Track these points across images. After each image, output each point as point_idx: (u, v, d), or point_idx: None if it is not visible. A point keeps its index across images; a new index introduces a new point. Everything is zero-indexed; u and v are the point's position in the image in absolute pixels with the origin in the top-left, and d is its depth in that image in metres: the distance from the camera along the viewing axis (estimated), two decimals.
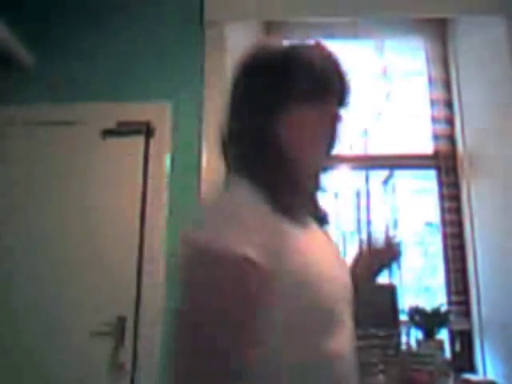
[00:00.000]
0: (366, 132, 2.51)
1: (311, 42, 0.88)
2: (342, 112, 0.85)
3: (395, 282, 2.22)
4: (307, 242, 0.78)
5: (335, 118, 0.83)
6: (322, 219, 0.90)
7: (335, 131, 0.84)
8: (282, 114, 0.80)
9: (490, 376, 2.10)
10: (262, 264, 0.66)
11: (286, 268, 0.68)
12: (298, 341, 0.70)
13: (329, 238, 0.92)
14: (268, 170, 0.77)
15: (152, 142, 2.13)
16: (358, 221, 2.38)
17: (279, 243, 0.70)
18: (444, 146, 2.47)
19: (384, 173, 2.48)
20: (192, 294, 0.67)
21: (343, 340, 0.77)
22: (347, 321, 0.81)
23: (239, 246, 0.65)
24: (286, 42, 0.89)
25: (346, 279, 0.86)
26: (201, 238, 0.68)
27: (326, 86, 0.83)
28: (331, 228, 0.93)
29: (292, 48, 0.85)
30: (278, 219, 0.73)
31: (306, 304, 0.70)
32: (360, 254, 1.03)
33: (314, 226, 0.87)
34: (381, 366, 1.91)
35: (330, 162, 0.87)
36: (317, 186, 0.87)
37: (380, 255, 1.00)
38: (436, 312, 2.11)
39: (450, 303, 2.27)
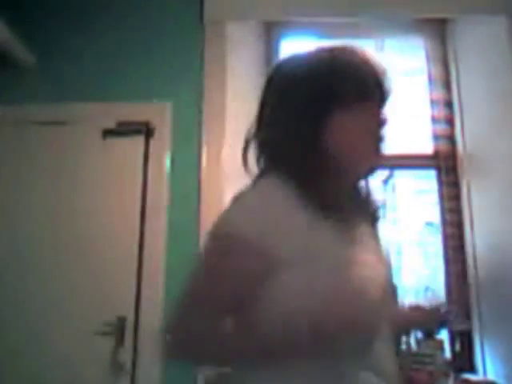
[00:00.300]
0: None
1: (346, 45, 0.93)
2: (385, 113, 0.87)
3: (395, 282, 2.22)
4: (332, 240, 0.81)
5: (379, 121, 0.86)
6: (373, 217, 0.93)
7: (380, 133, 0.86)
8: (328, 121, 0.83)
9: (490, 376, 2.10)
10: (262, 248, 0.78)
11: (287, 255, 0.78)
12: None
13: (374, 237, 0.92)
14: (312, 171, 0.82)
15: (152, 141, 2.13)
16: None
17: (287, 234, 0.78)
18: (444, 146, 2.46)
19: (384, 173, 2.48)
20: (203, 259, 0.86)
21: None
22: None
23: (242, 230, 0.79)
24: (320, 47, 0.95)
25: (380, 280, 0.85)
26: (217, 223, 0.84)
27: (368, 91, 0.85)
28: (384, 224, 0.93)
29: (331, 56, 0.89)
30: (303, 214, 0.79)
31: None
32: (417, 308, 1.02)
33: (361, 226, 0.89)
34: None
35: (381, 162, 0.89)
36: (366, 186, 0.92)
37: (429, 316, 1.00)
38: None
39: (450, 303, 2.27)
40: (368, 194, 0.93)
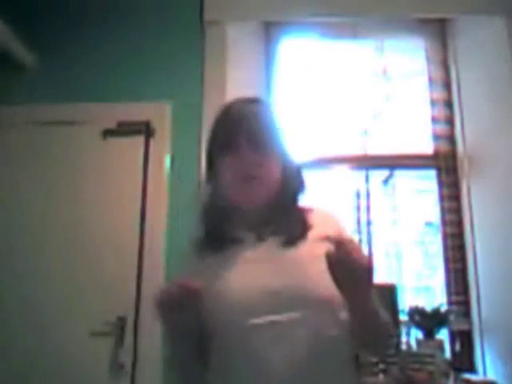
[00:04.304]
0: (365, 132, 2.51)
1: (228, 102, 1.08)
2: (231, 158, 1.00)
3: (395, 281, 2.22)
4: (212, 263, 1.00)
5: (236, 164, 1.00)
6: (285, 240, 0.99)
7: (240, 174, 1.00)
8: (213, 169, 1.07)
9: (490, 376, 2.10)
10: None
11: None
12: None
13: (281, 255, 0.98)
14: (207, 207, 1.07)
15: (152, 141, 2.13)
16: (358, 221, 2.38)
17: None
18: (444, 146, 2.47)
19: (384, 173, 2.48)
20: None
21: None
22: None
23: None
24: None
25: (260, 290, 0.92)
26: None
27: (224, 145, 1.02)
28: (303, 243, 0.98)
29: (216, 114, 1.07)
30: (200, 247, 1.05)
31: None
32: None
33: (264, 244, 1.00)
34: (381, 366, 1.91)
35: (247, 199, 1.01)
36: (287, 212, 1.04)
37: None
38: (436, 312, 2.11)
39: (450, 303, 2.27)
40: (285, 219, 1.02)
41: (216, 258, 1.00)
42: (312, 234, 1.01)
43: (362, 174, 2.45)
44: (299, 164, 1.09)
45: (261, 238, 1.00)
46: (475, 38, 2.36)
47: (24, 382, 1.90)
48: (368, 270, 0.85)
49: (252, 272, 0.96)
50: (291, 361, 0.89)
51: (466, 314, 2.26)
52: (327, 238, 0.98)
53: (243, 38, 2.40)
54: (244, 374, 0.91)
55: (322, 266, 0.87)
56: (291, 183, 1.05)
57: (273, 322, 0.90)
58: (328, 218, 1.08)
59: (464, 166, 2.39)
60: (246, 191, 0.99)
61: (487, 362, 2.15)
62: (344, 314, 0.95)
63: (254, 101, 1.09)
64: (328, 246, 0.90)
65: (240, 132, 0.99)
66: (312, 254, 0.97)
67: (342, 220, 1.11)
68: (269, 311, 0.90)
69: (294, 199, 1.07)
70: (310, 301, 0.92)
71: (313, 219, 1.04)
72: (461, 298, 2.28)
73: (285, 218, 1.02)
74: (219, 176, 1.02)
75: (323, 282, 0.89)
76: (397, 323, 2.04)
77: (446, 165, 2.43)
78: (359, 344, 1.04)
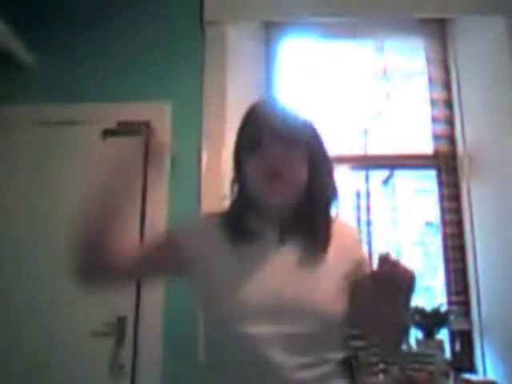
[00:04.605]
0: (366, 132, 2.51)
1: (258, 100, 1.10)
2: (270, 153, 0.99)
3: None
4: (228, 256, 1.00)
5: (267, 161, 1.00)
6: (308, 245, 0.99)
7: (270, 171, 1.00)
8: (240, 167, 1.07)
9: (490, 376, 2.10)
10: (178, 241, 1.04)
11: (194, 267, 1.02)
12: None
13: (298, 261, 0.98)
14: (233, 205, 1.08)
15: (152, 142, 2.13)
16: (358, 221, 2.38)
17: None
18: (444, 146, 2.47)
19: (384, 173, 2.48)
20: None
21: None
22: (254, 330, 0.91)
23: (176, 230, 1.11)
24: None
25: (265, 294, 0.94)
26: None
27: (253, 144, 1.01)
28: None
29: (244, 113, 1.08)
30: (216, 236, 1.02)
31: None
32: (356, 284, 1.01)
33: (284, 249, 1.00)
34: (381, 366, 1.91)
35: (273, 194, 1.00)
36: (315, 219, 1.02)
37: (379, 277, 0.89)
38: (436, 312, 2.11)
39: (450, 303, 2.27)
40: (312, 225, 1.02)
41: (233, 249, 0.99)
42: (332, 247, 1.01)
43: (361, 174, 2.45)
44: (331, 168, 1.07)
45: (282, 240, 1.01)
46: (475, 38, 2.36)
47: (24, 381, 1.90)
48: (414, 279, 0.86)
49: (266, 277, 0.95)
50: (288, 368, 0.90)
51: (466, 313, 2.26)
52: (347, 257, 1.01)
53: (243, 39, 2.40)
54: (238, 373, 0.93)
55: (336, 284, 0.95)
56: (319, 186, 1.03)
57: (278, 333, 0.91)
58: (348, 232, 1.09)
59: (464, 166, 2.39)
60: (270, 188, 0.98)
61: (487, 362, 2.15)
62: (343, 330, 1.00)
63: (278, 101, 1.12)
64: (347, 266, 0.99)
65: (266, 130, 0.99)
66: (330, 271, 0.98)
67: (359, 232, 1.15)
68: (275, 320, 0.91)
69: (323, 205, 1.04)
70: (317, 318, 0.93)
71: (333, 229, 1.04)
72: (461, 298, 2.28)
73: (309, 224, 1.01)
74: (246, 174, 1.02)
75: (334, 299, 0.93)
76: None
77: (446, 165, 2.43)
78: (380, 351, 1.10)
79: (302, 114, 1.06)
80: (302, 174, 1.01)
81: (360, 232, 1.15)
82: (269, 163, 0.97)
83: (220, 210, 1.10)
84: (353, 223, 1.15)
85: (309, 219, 1.01)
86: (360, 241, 1.11)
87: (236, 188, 1.07)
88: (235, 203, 1.07)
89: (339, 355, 0.99)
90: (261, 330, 0.90)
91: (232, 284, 0.95)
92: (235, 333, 0.92)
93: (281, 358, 0.89)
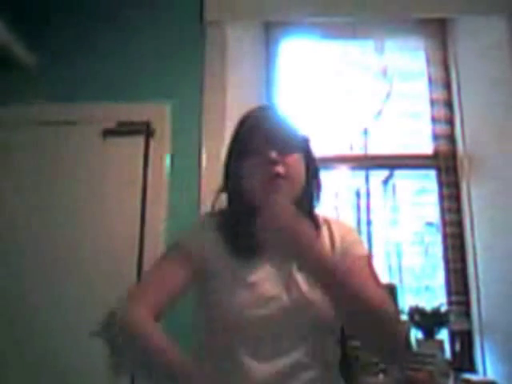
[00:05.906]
0: (366, 132, 2.51)
1: (254, 108, 1.11)
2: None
3: (395, 282, 2.22)
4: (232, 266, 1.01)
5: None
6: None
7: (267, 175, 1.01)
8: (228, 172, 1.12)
9: (490, 376, 2.10)
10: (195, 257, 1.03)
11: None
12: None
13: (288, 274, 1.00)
14: (231, 213, 1.09)
15: (152, 142, 2.13)
16: (358, 221, 2.38)
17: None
18: (444, 146, 2.47)
19: (384, 173, 2.48)
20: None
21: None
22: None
23: (184, 242, 1.07)
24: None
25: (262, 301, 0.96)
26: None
27: (247, 150, 1.04)
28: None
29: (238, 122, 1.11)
30: (222, 246, 1.04)
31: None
32: None
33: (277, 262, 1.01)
34: (381, 366, 1.91)
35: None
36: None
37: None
38: (436, 312, 2.10)
39: (450, 303, 2.27)
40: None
41: (232, 252, 1.02)
42: (331, 248, 1.03)
43: (361, 174, 2.45)
44: (317, 166, 1.10)
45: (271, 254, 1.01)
46: (475, 38, 2.36)
47: (24, 381, 1.90)
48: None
49: (266, 284, 0.99)
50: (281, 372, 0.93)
51: (466, 314, 2.26)
52: (345, 257, 1.02)
53: (243, 39, 2.40)
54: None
55: None
56: (312, 185, 1.07)
57: (275, 342, 0.94)
58: (347, 233, 1.09)
59: (464, 166, 2.39)
60: (273, 190, 0.99)
61: (487, 362, 2.15)
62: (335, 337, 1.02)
63: (269, 107, 1.17)
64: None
65: (261, 134, 1.02)
66: None
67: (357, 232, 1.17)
68: (274, 327, 0.95)
69: (313, 202, 1.08)
70: (314, 325, 0.96)
71: (332, 232, 1.06)
72: (461, 298, 2.28)
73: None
74: (244, 178, 1.03)
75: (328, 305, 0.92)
76: None
77: (446, 165, 2.43)
78: (362, 346, 1.09)
79: (293, 119, 1.09)
80: (301, 175, 1.03)
81: (356, 230, 1.15)
82: (269, 164, 0.99)
83: (219, 210, 1.12)
84: (350, 223, 1.14)
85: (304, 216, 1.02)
86: (357, 240, 1.10)
87: (227, 196, 1.10)
88: (231, 211, 1.08)
89: (334, 357, 1.00)
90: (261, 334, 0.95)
91: (231, 290, 0.98)
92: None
93: (258, 363, 0.94)
